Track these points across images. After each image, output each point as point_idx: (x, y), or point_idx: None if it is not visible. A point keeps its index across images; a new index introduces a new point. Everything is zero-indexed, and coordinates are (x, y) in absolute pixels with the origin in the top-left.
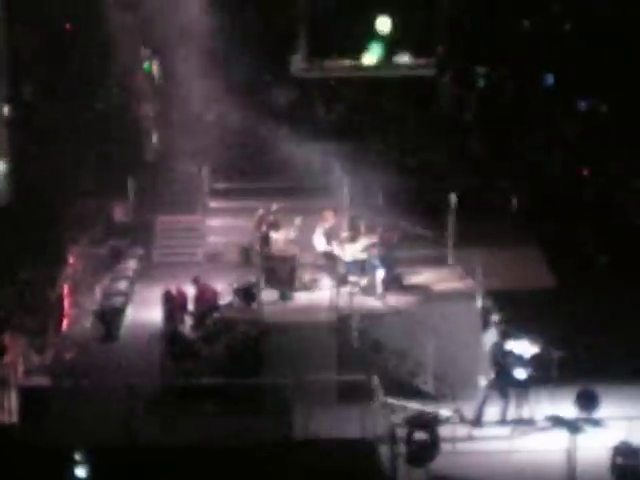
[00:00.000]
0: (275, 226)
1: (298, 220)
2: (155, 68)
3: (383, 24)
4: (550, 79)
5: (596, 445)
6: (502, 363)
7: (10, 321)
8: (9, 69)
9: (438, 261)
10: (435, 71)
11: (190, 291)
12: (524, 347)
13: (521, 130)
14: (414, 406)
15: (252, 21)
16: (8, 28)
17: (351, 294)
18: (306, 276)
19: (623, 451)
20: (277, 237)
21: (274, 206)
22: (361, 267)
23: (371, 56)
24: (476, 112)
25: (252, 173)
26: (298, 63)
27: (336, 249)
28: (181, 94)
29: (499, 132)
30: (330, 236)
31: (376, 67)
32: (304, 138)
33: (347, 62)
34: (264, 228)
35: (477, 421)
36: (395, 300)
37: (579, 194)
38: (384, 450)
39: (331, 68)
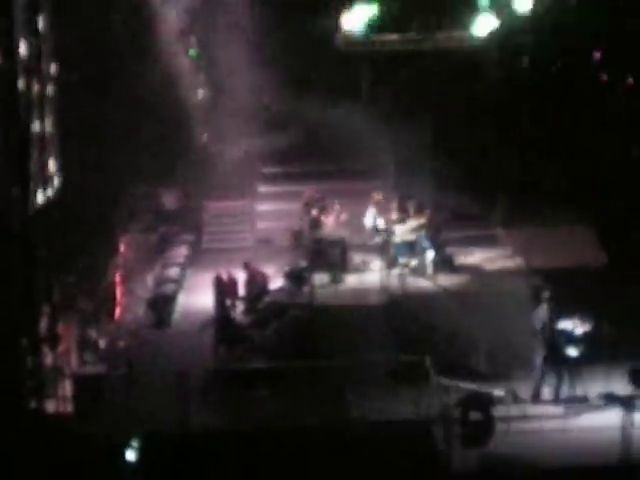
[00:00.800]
0: (324, 209)
1: (337, 205)
2: (202, 55)
3: None
4: (598, 56)
5: None
6: (554, 341)
7: (65, 309)
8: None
9: (488, 241)
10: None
11: (241, 276)
12: (575, 325)
13: (570, 108)
14: (468, 386)
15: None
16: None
17: (402, 276)
18: (356, 258)
19: None
20: (327, 220)
21: (323, 191)
22: (411, 248)
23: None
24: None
25: (300, 157)
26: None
27: (386, 230)
28: (229, 80)
29: (548, 110)
30: (380, 218)
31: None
32: (352, 119)
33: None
34: (314, 212)
35: (535, 398)
36: (446, 281)
37: (630, 174)
38: (438, 431)
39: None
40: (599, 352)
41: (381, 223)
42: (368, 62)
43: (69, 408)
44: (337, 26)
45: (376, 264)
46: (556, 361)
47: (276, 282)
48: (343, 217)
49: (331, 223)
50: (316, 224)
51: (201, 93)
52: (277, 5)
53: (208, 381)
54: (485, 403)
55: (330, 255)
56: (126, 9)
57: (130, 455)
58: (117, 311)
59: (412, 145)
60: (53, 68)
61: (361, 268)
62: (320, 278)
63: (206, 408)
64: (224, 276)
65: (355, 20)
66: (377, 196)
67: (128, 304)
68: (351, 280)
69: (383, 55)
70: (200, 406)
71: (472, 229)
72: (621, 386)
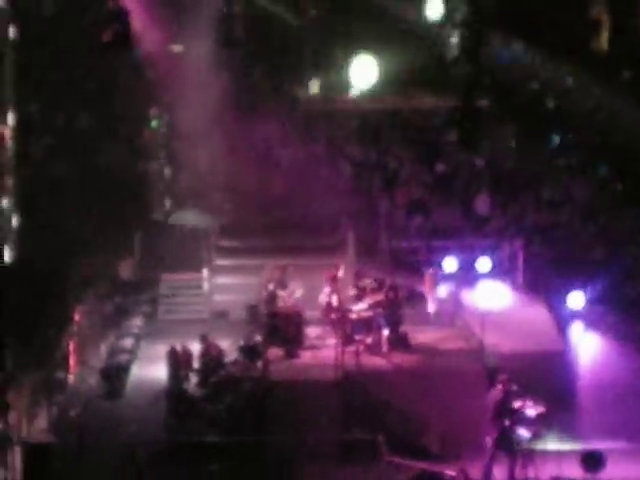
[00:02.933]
0: (282, 284)
1: (299, 287)
2: (163, 126)
3: None
4: None
5: None
6: (507, 422)
7: (16, 378)
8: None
9: (444, 319)
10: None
11: (195, 349)
12: (529, 407)
13: None
14: (419, 465)
15: (261, 82)
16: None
17: (357, 352)
18: (312, 334)
19: None
20: (283, 295)
21: (280, 264)
22: (367, 325)
23: None
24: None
25: (259, 230)
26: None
27: (342, 307)
28: (189, 152)
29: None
30: (336, 294)
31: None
32: (314, 195)
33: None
34: (271, 286)
35: (486, 479)
36: (400, 359)
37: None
38: None
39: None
40: (552, 434)
41: (337, 299)
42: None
43: (18, 477)
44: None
45: (331, 340)
46: (508, 442)
47: (231, 356)
48: (299, 292)
49: (288, 298)
50: (273, 299)
51: (161, 164)
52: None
53: (159, 454)
54: None
55: (285, 330)
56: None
57: None
58: (70, 380)
59: (371, 222)
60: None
61: (316, 344)
62: (275, 353)
63: None
64: (179, 348)
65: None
66: (335, 272)
67: (81, 373)
68: (306, 355)
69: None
70: (150, 479)
71: (428, 307)
72: (573, 470)
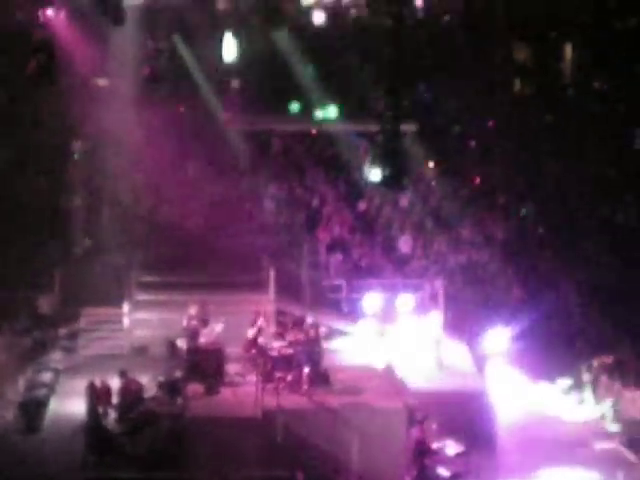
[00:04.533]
0: (203, 320)
1: (220, 323)
2: (86, 159)
3: None
4: None
5: None
6: (426, 461)
7: None
8: None
9: (366, 358)
10: None
11: (115, 384)
12: (448, 445)
13: None
14: None
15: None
16: None
17: (277, 390)
18: (232, 370)
19: None
20: (205, 331)
21: (201, 301)
22: (287, 362)
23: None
24: None
25: (181, 266)
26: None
27: (263, 344)
28: (112, 186)
29: None
30: (257, 331)
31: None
32: (237, 231)
33: None
34: (192, 322)
35: None
36: (321, 397)
37: None
38: None
39: None
40: (471, 474)
41: (258, 336)
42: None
43: None
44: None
45: (252, 377)
46: None
47: (150, 391)
48: (220, 328)
49: (209, 334)
50: (194, 334)
51: (83, 198)
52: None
53: None
54: None
55: (206, 366)
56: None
57: None
58: None
59: (293, 260)
60: None
61: (237, 380)
62: (195, 389)
63: None
64: (98, 383)
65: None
66: (256, 309)
67: None
68: (226, 392)
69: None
70: None
71: (349, 344)
72: None
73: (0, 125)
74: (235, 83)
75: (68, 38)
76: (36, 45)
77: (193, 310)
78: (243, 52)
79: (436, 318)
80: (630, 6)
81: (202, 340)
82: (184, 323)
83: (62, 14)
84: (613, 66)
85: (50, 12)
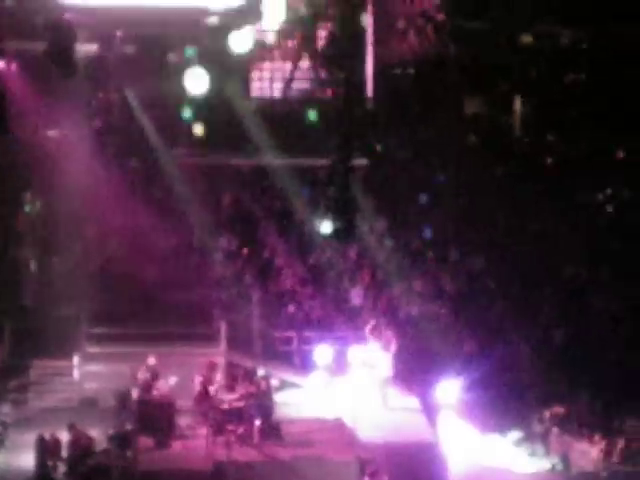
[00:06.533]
0: (154, 373)
1: (171, 376)
2: (37, 210)
3: None
4: None
5: None
6: None
7: None
8: None
9: (317, 409)
10: None
11: (65, 437)
12: None
13: None
14: None
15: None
16: None
17: (228, 442)
18: (183, 423)
19: None
20: (158, 384)
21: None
22: (238, 415)
23: None
24: None
25: (131, 318)
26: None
27: (214, 396)
28: (63, 237)
29: None
30: (208, 383)
31: None
32: (187, 283)
33: None
34: (144, 375)
35: None
36: (272, 449)
37: None
38: None
39: None
40: None
41: (210, 389)
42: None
43: None
44: None
45: (203, 430)
46: None
47: (101, 444)
48: (173, 381)
49: (162, 387)
50: (147, 387)
51: (34, 250)
52: None
53: None
54: None
55: (157, 419)
56: None
57: None
58: None
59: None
60: None
61: (187, 433)
62: (145, 442)
63: None
64: (47, 436)
65: None
66: (208, 361)
67: None
68: (177, 445)
69: None
70: None
71: (300, 396)
72: None
73: None
74: (188, 127)
75: (19, 90)
76: None
77: (152, 361)
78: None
79: (386, 369)
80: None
81: (155, 393)
82: (138, 375)
83: (13, 66)
84: (562, 121)
85: (1, 64)
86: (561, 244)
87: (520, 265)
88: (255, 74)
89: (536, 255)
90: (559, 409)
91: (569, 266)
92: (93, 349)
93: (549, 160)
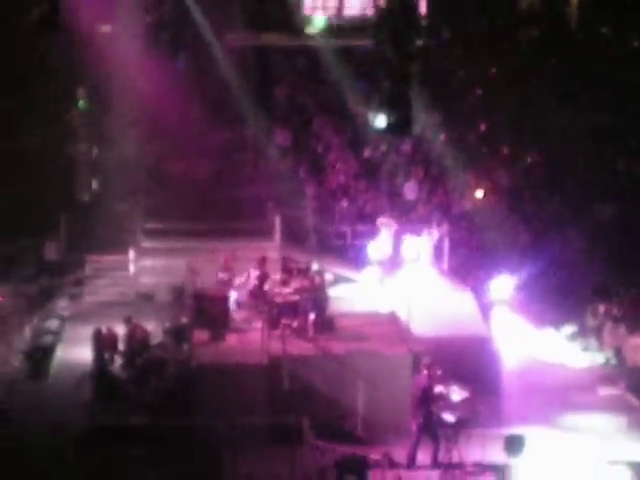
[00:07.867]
0: (232, 272)
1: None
2: (91, 106)
3: None
4: None
5: None
6: (432, 407)
7: None
8: None
9: (370, 303)
10: None
11: (121, 331)
12: (453, 391)
13: None
14: (344, 449)
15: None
16: None
17: (283, 336)
18: (238, 317)
19: None
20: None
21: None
22: (293, 309)
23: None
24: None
25: (186, 213)
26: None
27: (268, 290)
28: (117, 133)
29: None
30: (263, 277)
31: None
32: (241, 178)
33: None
34: (223, 275)
35: (410, 464)
36: (326, 343)
37: None
38: None
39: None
40: (476, 419)
41: (265, 283)
42: None
43: None
44: None
45: (258, 323)
46: (433, 427)
47: (156, 338)
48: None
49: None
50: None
51: (89, 146)
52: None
53: (84, 436)
54: (360, 466)
55: (211, 312)
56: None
57: None
58: None
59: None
60: None
61: (242, 327)
62: (201, 335)
63: (80, 463)
64: (104, 330)
65: None
66: (262, 256)
67: (5, 355)
68: (232, 338)
69: None
70: (74, 461)
71: (355, 291)
72: (496, 453)
73: (7, 72)
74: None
75: None
76: None
77: (224, 262)
78: None
79: (441, 264)
80: None
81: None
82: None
83: None
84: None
85: None
86: (617, 139)
87: (576, 159)
88: None
89: (593, 150)
90: (613, 303)
91: (626, 160)
92: (148, 244)
93: (604, 51)
